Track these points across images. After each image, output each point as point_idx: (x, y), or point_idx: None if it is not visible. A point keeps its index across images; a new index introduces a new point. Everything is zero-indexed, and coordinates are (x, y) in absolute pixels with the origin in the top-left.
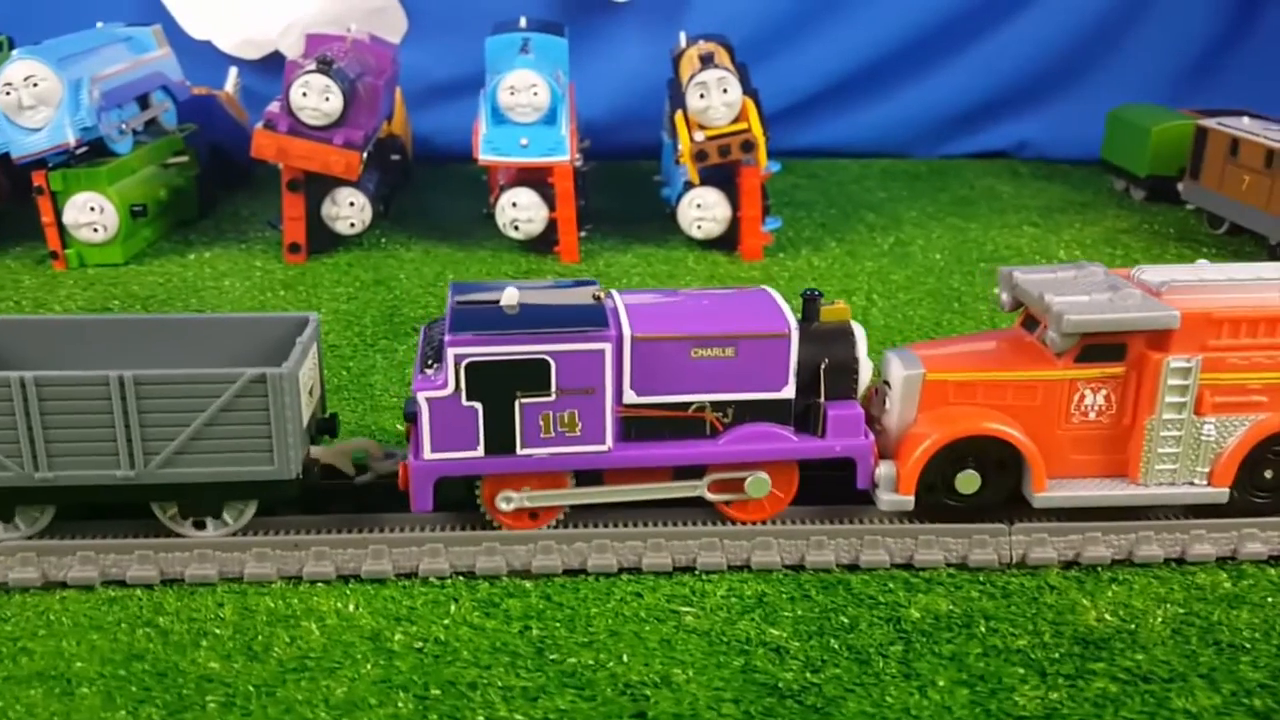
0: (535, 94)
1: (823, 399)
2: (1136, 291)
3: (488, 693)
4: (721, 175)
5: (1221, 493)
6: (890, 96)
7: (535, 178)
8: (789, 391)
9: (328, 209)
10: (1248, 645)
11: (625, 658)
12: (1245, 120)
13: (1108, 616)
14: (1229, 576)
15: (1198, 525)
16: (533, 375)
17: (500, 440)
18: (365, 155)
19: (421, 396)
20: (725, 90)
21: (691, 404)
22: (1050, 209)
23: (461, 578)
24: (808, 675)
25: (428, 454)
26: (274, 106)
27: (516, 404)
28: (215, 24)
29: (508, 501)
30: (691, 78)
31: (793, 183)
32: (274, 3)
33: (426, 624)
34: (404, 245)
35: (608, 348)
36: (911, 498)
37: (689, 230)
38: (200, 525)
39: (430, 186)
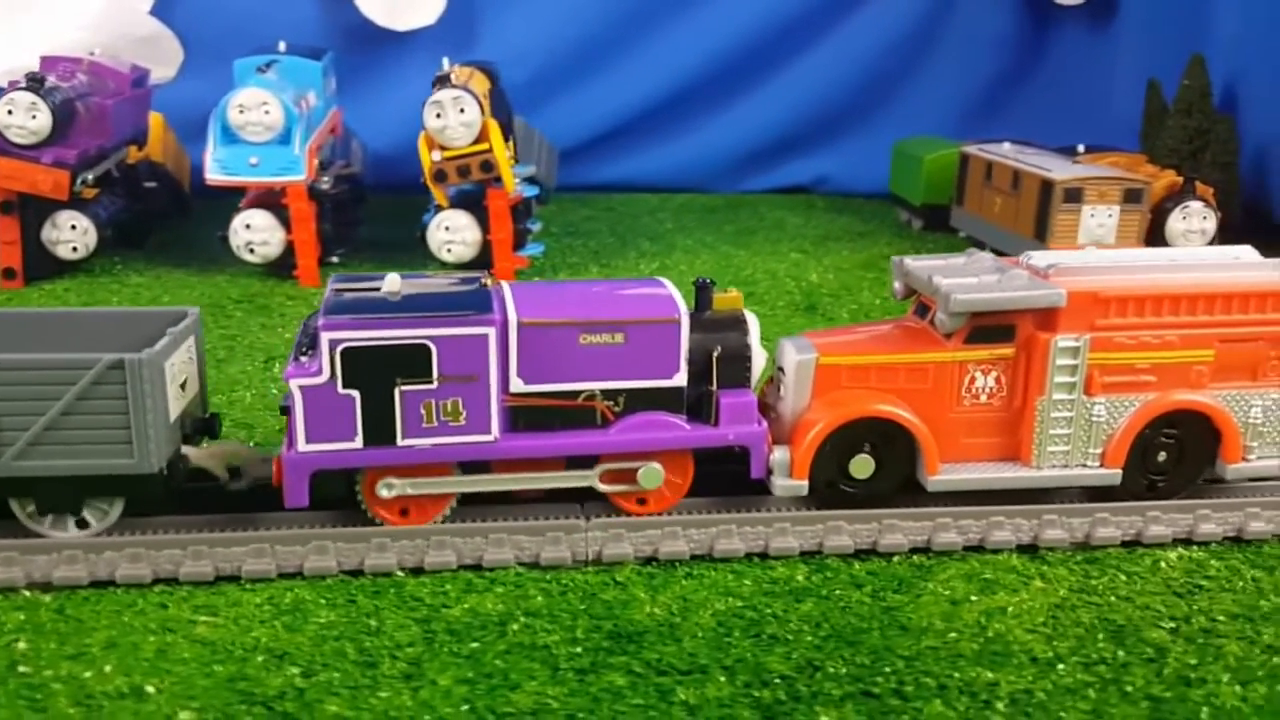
0: (266, 112)
1: (715, 387)
2: (1023, 273)
3: None
4: (473, 198)
5: (1114, 474)
6: (692, 132)
7: (274, 200)
8: (681, 379)
9: (48, 233)
10: (789, 638)
11: (107, 669)
12: (1006, 146)
13: (658, 611)
14: (809, 570)
15: (835, 517)
16: (413, 361)
17: (380, 431)
18: (90, 177)
19: (294, 384)
20: (462, 110)
21: (581, 392)
22: (826, 238)
23: None
24: (298, 681)
25: (302, 445)
26: None
27: (396, 392)
28: None
29: (389, 489)
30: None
31: (586, 215)
32: (39, 33)
33: None
34: (138, 272)
35: (492, 332)
36: (805, 483)
37: (439, 254)
38: (83, 524)
39: (211, 215)
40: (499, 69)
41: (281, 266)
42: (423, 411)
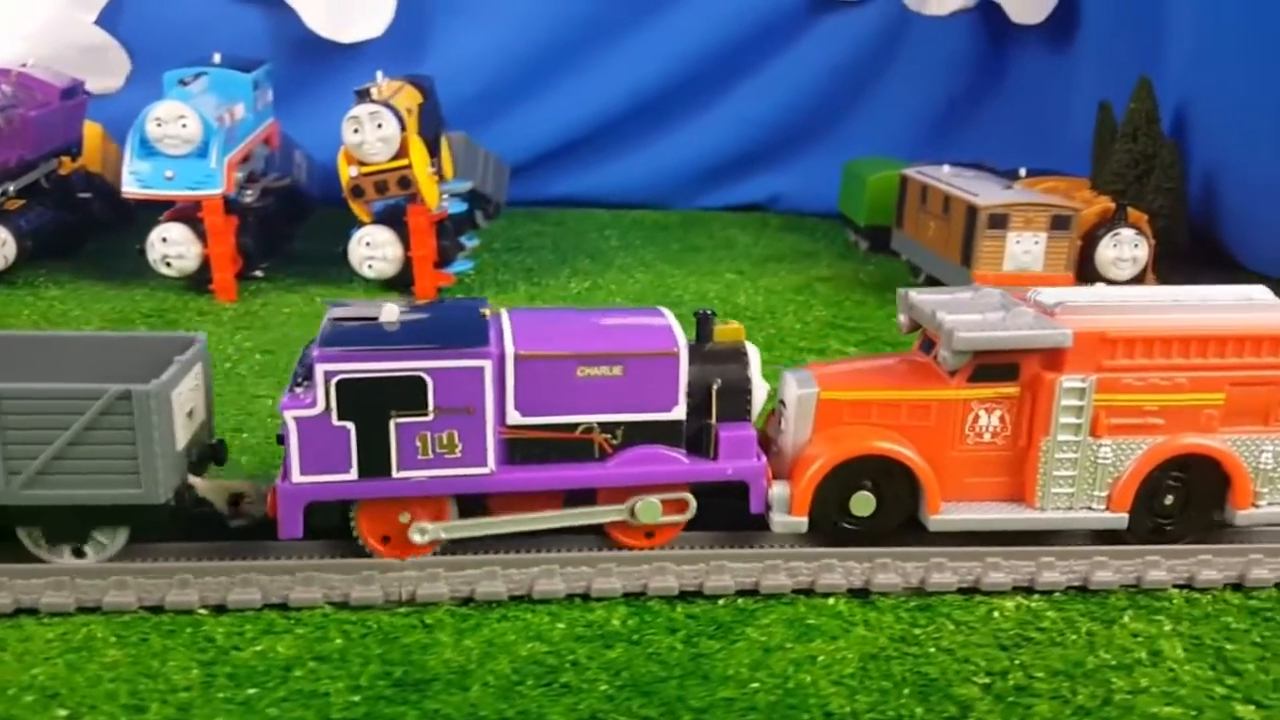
0: (184, 125)
1: (714, 420)
2: (1029, 311)
3: None
4: (397, 214)
5: (1120, 518)
6: (647, 147)
7: (193, 213)
8: (679, 412)
9: None
10: (583, 687)
11: None
12: (945, 169)
13: (456, 657)
14: (628, 612)
15: (662, 558)
16: (408, 393)
17: (374, 462)
18: (11, 189)
19: (289, 416)
20: (380, 125)
21: (579, 425)
22: (769, 258)
23: None
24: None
25: (296, 477)
26: None
27: (392, 424)
28: None
29: (422, 534)
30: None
31: (534, 230)
32: None
33: None
34: (58, 284)
35: (488, 365)
36: (805, 519)
37: (360, 269)
38: (79, 553)
39: (149, 227)
40: (434, 83)
41: (201, 281)
42: (418, 444)
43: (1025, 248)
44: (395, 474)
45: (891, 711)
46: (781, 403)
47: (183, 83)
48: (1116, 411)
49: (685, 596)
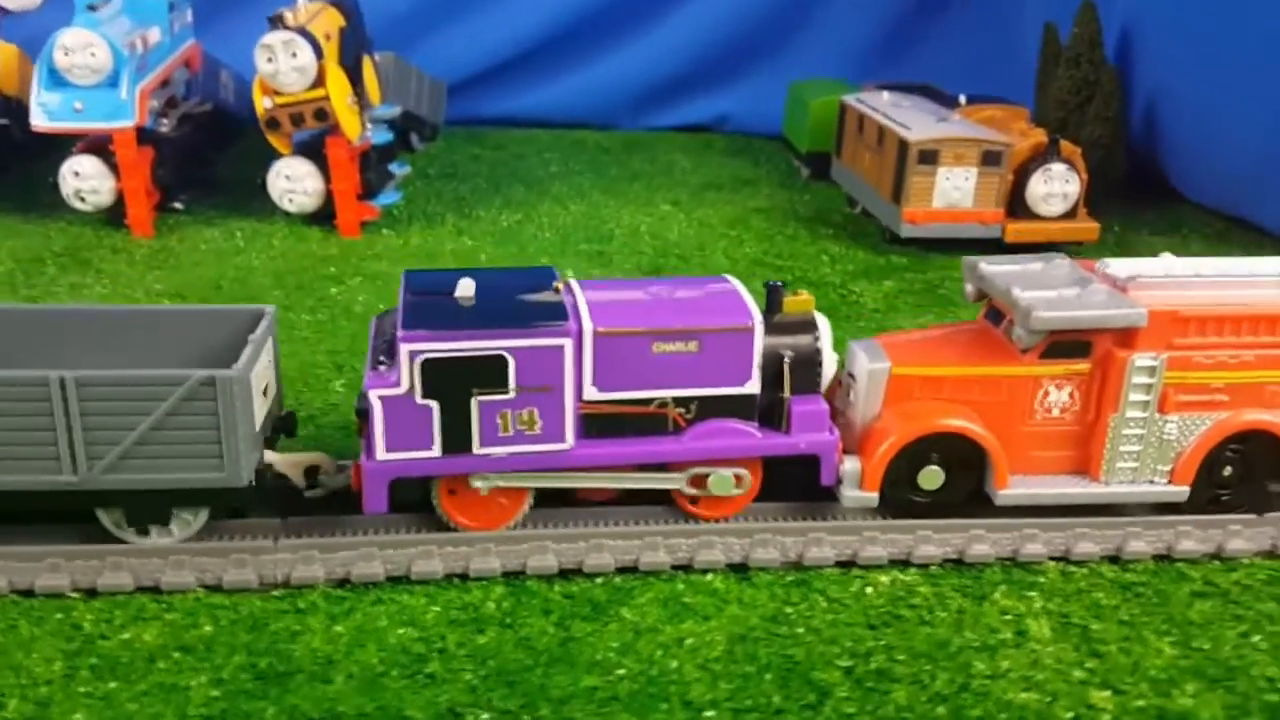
0: (92, 55)
1: (787, 394)
2: (1103, 288)
3: None
4: (317, 145)
5: (1181, 491)
6: (590, 65)
7: (106, 145)
8: (753, 387)
9: None
10: (448, 677)
11: None
12: (884, 96)
13: (324, 646)
14: (505, 593)
15: (540, 537)
16: (490, 372)
17: (457, 439)
18: None
19: (374, 395)
20: (294, 54)
21: (654, 400)
22: (708, 186)
23: None
24: None
25: (381, 454)
26: None
27: (474, 402)
28: None
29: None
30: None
31: (472, 154)
32: None
33: None
34: None
35: (568, 343)
36: (876, 494)
37: (280, 203)
38: (144, 532)
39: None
40: (358, 2)
41: (118, 215)
42: (499, 421)
43: (955, 184)
44: (477, 450)
45: (749, 699)
46: (850, 375)
47: (91, 8)
48: (1185, 389)
49: (565, 575)
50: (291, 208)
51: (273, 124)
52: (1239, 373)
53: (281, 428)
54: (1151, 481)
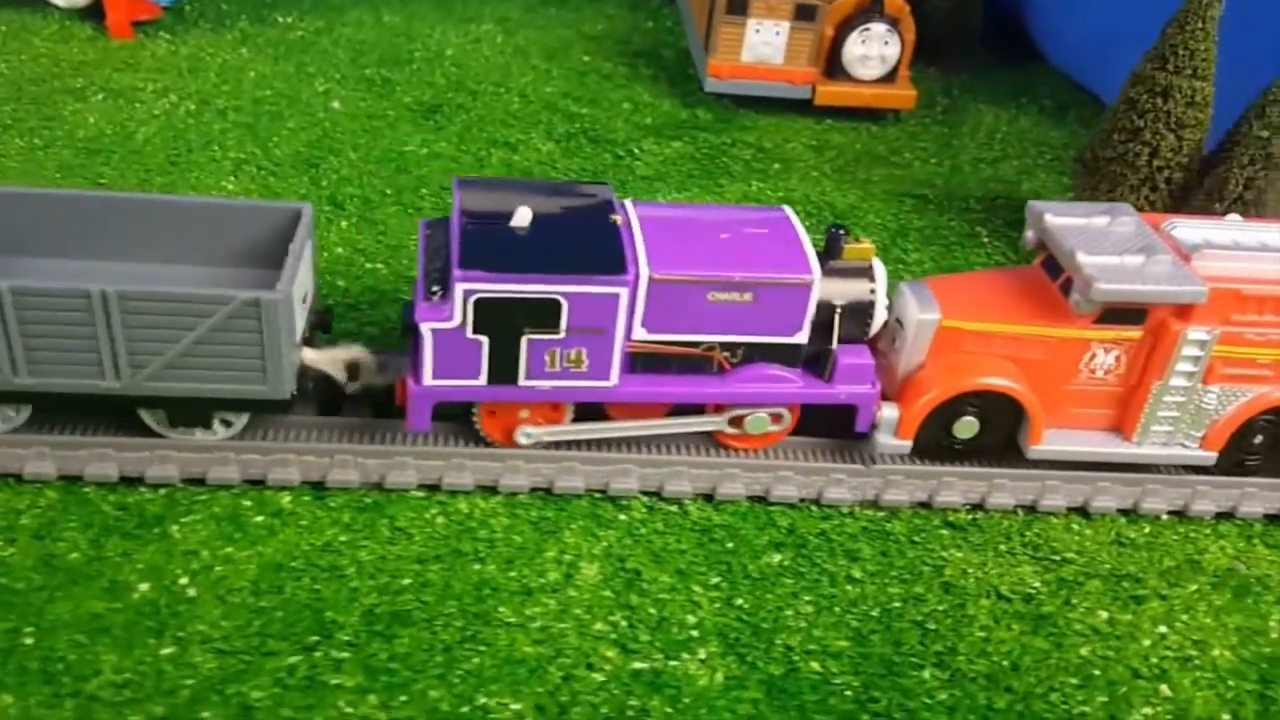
0: None
1: (835, 344)
2: (1168, 258)
3: None
4: None
5: (1210, 456)
6: None
7: None
8: (802, 337)
9: None
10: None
11: None
12: None
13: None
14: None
15: (159, 445)
16: (543, 314)
17: (503, 372)
18: None
19: (426, 328)
20: None
21: (702, 343)
22: (547, 1)
23: None
24: None
25: (428, 380)
26: None
27: (524, 340)
28: None
29: (527, 438)
30: None
31: None
32: None
33: None
34: None
35: (624, 291)
36: (910, 443)
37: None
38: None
39: None
40: None
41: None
42: (546, 358)
43: (765, 38)
44: (521, 383)
45: (244, 639)
46: (898, 321)
47: None
48: (1232, 362)
49: (128, 482)
50: (61, 2)
51: None
52: None
53: (319, 324)
54: (1184, 445)
